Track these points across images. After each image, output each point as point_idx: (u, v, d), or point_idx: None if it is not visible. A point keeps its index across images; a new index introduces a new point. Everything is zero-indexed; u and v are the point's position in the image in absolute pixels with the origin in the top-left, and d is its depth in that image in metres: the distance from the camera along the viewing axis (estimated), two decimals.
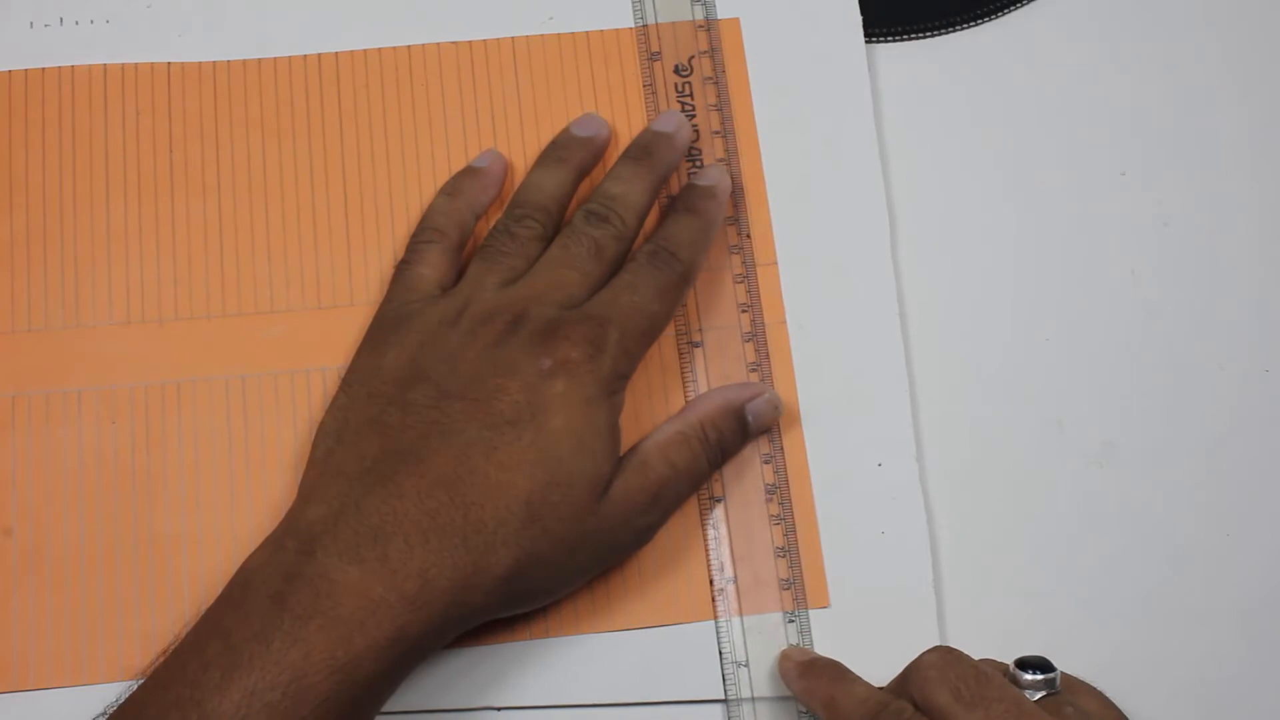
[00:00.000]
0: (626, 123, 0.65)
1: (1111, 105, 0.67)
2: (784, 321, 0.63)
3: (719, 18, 0.66)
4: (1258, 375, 0.64)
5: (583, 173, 0.63)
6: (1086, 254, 0.65)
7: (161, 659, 0.52)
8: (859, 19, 0.67)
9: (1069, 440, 0.63)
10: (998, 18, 0.68)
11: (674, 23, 0.66)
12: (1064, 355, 0.64)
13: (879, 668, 0.59)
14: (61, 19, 0.66)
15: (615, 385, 0.56)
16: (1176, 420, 0.63)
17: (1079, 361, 0.64)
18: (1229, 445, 0.63)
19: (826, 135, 0.66)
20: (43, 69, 0.65)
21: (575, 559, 0.56)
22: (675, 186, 0.64)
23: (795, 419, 0.62)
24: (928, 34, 0.68)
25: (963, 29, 0.68)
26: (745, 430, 0.60)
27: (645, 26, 0.66)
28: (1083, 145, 0.66)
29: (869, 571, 0.60)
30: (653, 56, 0.66)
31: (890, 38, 0.67)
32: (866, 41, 0.67)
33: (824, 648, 0.59)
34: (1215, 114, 0.67)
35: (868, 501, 0.61)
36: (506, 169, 0.64)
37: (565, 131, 0.64)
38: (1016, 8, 0.68)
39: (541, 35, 0.66)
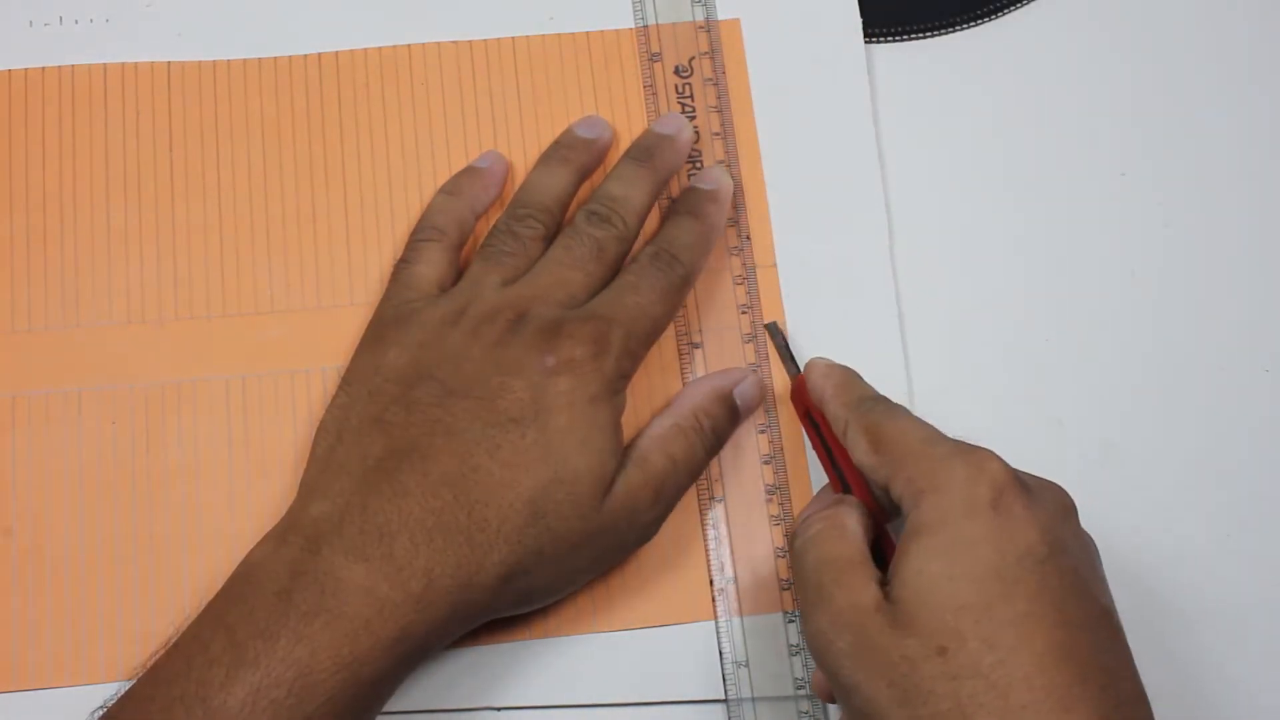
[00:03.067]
0: (626, 124, 0.65)
1: (1111, 105, 0.67)
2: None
3: (719, 18, 0.66)
4: (1258, 375, 0.64)
5: (584, 174, 0.63)
6: (1086, 254, 0.65)
7: (162, 652, 0.52)
8: (859, 19, 0.67)
9: (1069, 440, 0.63)
10: (998, 18, 0.68)
11: (674, 24, 0.66)
12: (1064, 355, 0.64)
13: None
14: (61, 18, 0.65)
15: (618, 385, 0.57)
16: (1176, 420, 0.63)
17: (1079, 361, 0.64)
18: (1229, 445, 0.63)
19: (826, 136, 0.66)
20: (43, 69, 0.65)
21: (579, 557, 0.56)
22: (675, 188, 0.64)
23: (796, 419, 0.62)
24: (928, 34, 0.68)
25: (963, 29, 0.68)
26: (735, 414, 0.60)
27: (646, 27, 0.66)
28: (1083, 145, 0.66)
29: None
30: (653, 57, 0.66)
31: (890, 38, 0.67)
32: (866, 41, 0.67)
33: None
34: (1215, 114, 0.67)
35: None
36: (507, 169, 0.64)
37: (568, 132, 0.64)
38: (1016, 8, 0.68)
39: (542, 35, 0.66)
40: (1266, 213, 0.66)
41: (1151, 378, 0.64)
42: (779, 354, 0.60)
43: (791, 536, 0.55)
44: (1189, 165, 0.66)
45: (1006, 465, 0.51)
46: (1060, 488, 0.53)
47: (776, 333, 0.61)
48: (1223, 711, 0.60)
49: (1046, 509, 0.51)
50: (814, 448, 0.57)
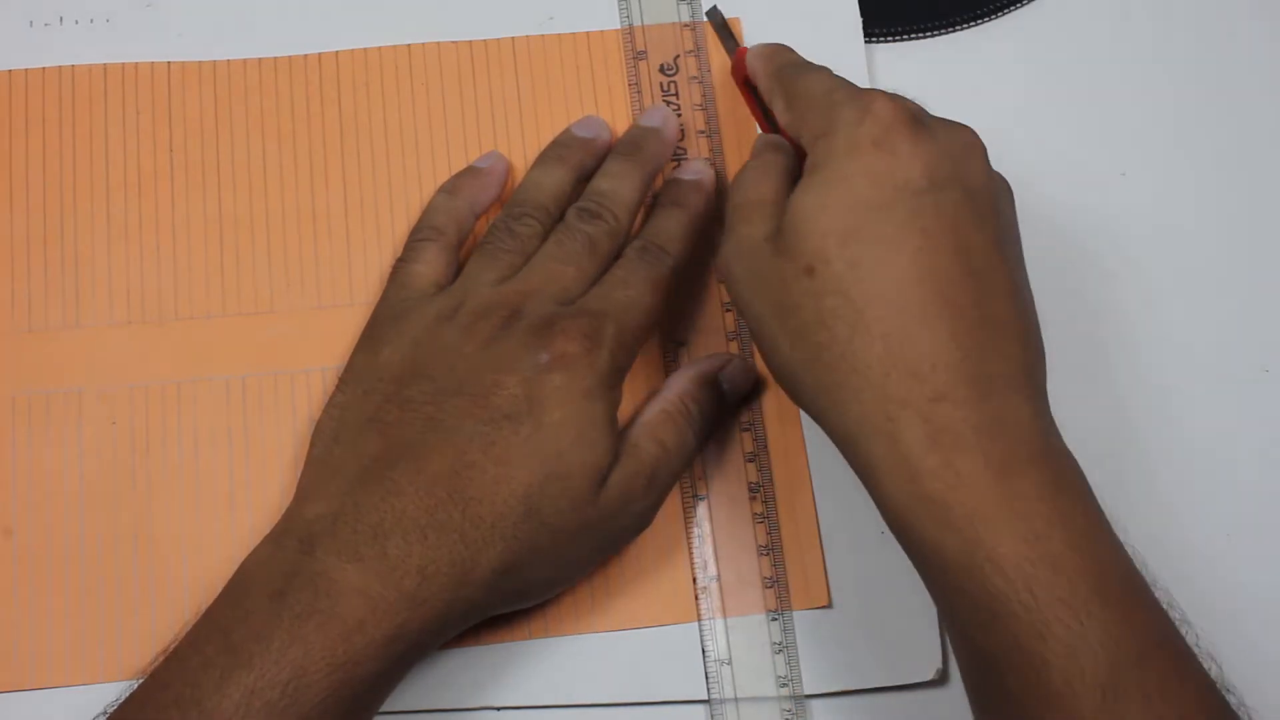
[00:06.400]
0: (625, 124, 0.65)
1: (1111, 105, 0.67)
2: None
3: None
4: (1258, 375, 0.64)
5: (582, 173, 0.63)
6: (1087, 254, 0.65)
7: (162, 658, 0.52)
8: (859, 19, 0.67)
9: (1070, 440, 0.62)
10: (998, 18, 0.68)
11: (660, 24, 0.66)
12: (1065, 355, 0.64)
13: (879, 668, 0.59)
14: (61, 18, 0.66)
15: (613, 379, 0.57)
16: (1176, 420, 0.63)
17: (1079, 361, 0.64)
18: (1229, 445, 0.63)
19: None
20: (43, 69, 0.65)
21: (575, 550, 0.56)
22: (659, 185, 0.64)
23: (795, 419, 0.62)
24: (928, 34, 0.68)
25: (963, 29, 0.68)
26: (722, 398, 0.61)
27: (631, 27, 0.66)
28: (1083, 145, 0.66)
29: (869, 571, 0.60)
30: (638, 56, 0.66)
31: (890, 38, 0.67)
32: (866, 41, 0.67)
33: (824, 647, 0.59)
34: (1215, 114, 0.67)
35: (868, 501, 0.61)
36: (508, 169, 0.64)
37: (566, 132, 0.64)
38: (1016, 8, 0.68)
39: (542, 35, 0.66)
40: (1265, 213, 0.66)
41: (1151, 378, 0.64)
42: (718, 35, 0.62)
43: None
44: (1189, 165, 0.66)
45: (899, 105, 0.54)
46: (968, 129, 0.56)
47: (715, 14, 0.62)
48: None
49: (939, 147, 0.53)
50: (754, 115, 0.61)
